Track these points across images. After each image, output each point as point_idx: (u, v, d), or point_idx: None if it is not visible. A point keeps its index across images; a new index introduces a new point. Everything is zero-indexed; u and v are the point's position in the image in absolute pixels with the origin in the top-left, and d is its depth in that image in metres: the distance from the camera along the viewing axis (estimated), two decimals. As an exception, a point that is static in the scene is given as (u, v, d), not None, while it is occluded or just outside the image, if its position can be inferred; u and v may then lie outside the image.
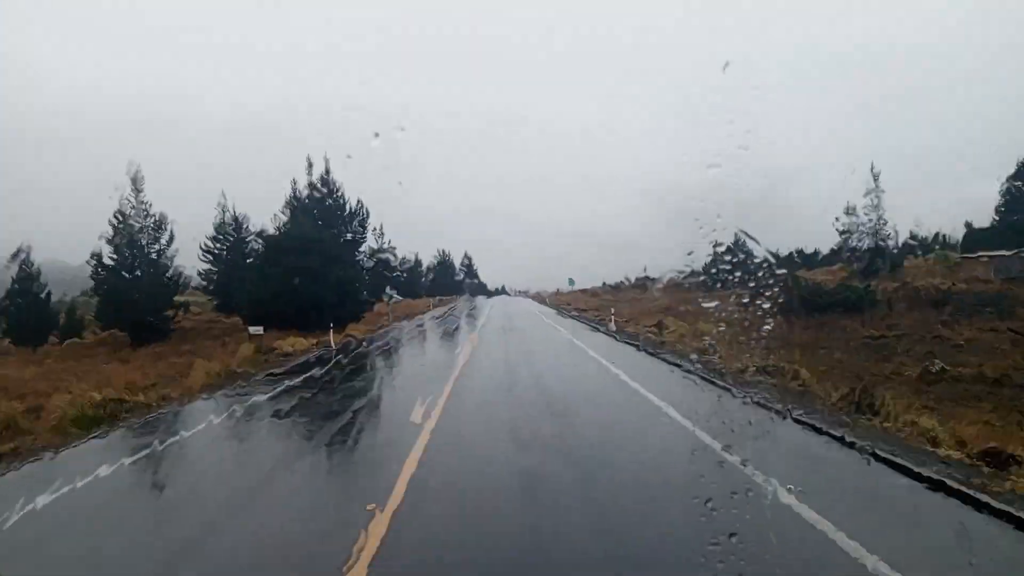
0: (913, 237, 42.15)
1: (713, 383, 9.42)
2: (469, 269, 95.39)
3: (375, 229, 61.98)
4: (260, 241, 32.07)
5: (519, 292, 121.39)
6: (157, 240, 31.39)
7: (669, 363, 13.84)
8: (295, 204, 32.94)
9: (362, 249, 34.35)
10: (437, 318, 36.75)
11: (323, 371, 15.22)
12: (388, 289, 71.00)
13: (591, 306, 34.13)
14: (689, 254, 3.91)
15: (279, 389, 12.49)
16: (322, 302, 25.67)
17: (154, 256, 30.90)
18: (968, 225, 47.21)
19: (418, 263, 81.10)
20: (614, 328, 22.18)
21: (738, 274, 3.97)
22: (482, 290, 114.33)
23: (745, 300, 3.95)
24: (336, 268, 26.46)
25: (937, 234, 52.38)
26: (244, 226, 37.68)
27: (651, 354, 15.41)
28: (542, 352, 17.07)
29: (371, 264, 35.24)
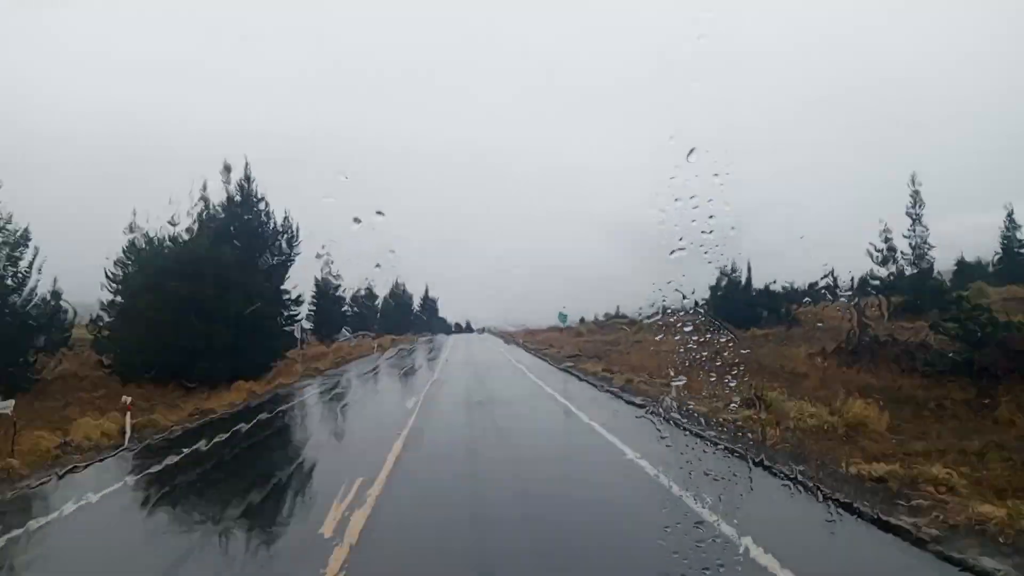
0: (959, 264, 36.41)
1: None
2: (427, 302, 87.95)
3: (320, 255, 55.03)
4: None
5: (482, 329, 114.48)
6: (15, 263, 23.55)
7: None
8: (204, 218, 25.82)
9: (288, 276, 27.33)
10: (387, 360, 29.84)
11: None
12: (344, 330, 63.52)
13: (584, 350, 27.43)
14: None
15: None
16: (215, 345, 18.51)
17: (9, 282, 23.05)
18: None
19: (371, 295, 73.71)
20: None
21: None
22: (442, 327, 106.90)
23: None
24: (237, 298, 19.30)
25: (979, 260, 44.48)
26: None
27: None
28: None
29: (296, 296, 27.98)
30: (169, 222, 22.83)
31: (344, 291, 55.09)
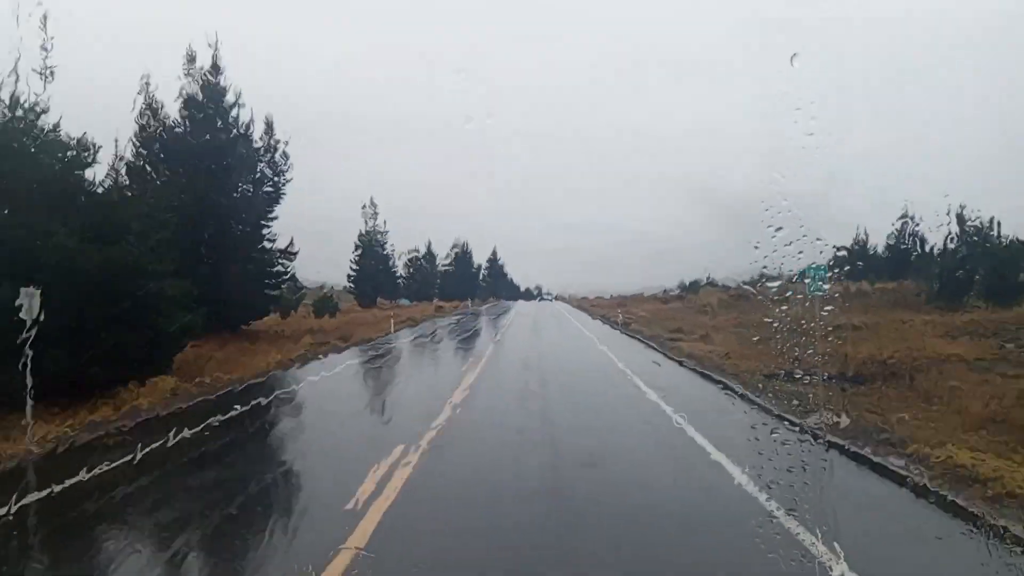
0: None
1: None
2: (493, 266, 79.06)
3: (365, 206, 47.02)
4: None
5: (552, 296, 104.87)
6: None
7: None
8: (156, 128, 17.51)
9: (273, 215, 18.71)
10: (421, 338, 21.08)
11: None
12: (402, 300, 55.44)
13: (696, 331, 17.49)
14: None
15: None
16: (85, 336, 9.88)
17: None
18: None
19: (430, 256, 65.61)
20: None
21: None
22: (512, 292, 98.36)
23: None
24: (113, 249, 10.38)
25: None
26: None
27: None
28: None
29: (286, 247, 19.31)
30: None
31: (392, 249, 47.04)
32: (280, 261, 19.17)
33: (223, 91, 18.21)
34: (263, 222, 18.94)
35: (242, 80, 29.87)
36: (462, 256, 65.42)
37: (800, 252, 3.62)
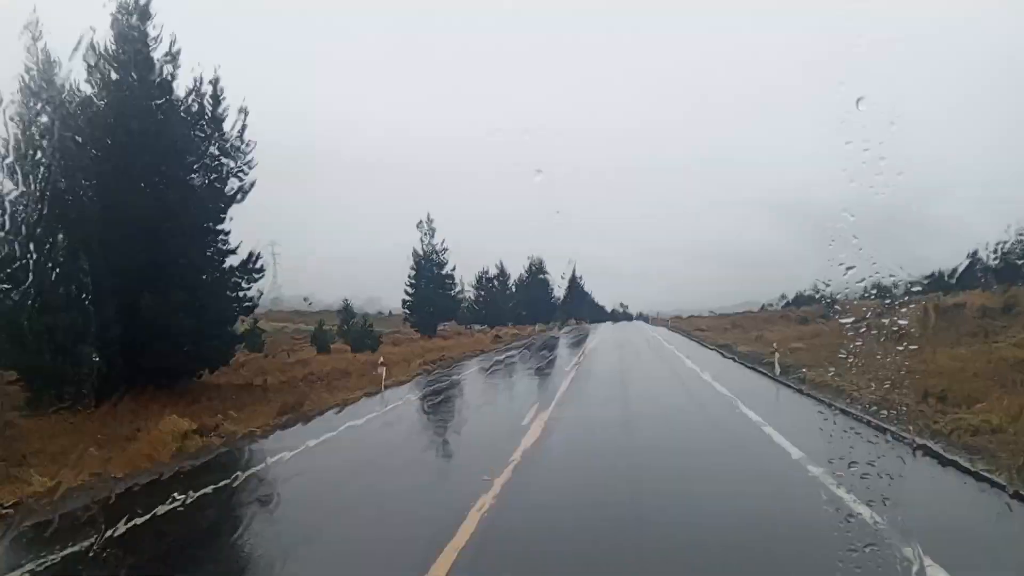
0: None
1: None
2: (573, 286, 71.52)
3: (421, 222, 41.38)
4: None
5: (642, 316, 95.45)
6: None
7: None
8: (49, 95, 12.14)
9: (227, 217, 12.69)
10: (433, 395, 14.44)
11: None
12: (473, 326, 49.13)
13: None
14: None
15: None
16: None
17: None
18: None
19: (503, 276, 59.38)
20: None
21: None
22: (596, 313, 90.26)
23: None
24: None
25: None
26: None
27: None
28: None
29: (252, 261, 13.13)
30: None
31: (454, 271, 40.86)
32: (241, 282, 13.06)
33: (148, 40, 12.54)
34: (218, 226, 12.99)
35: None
36: (536, 275, 58.35)
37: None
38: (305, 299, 49.02)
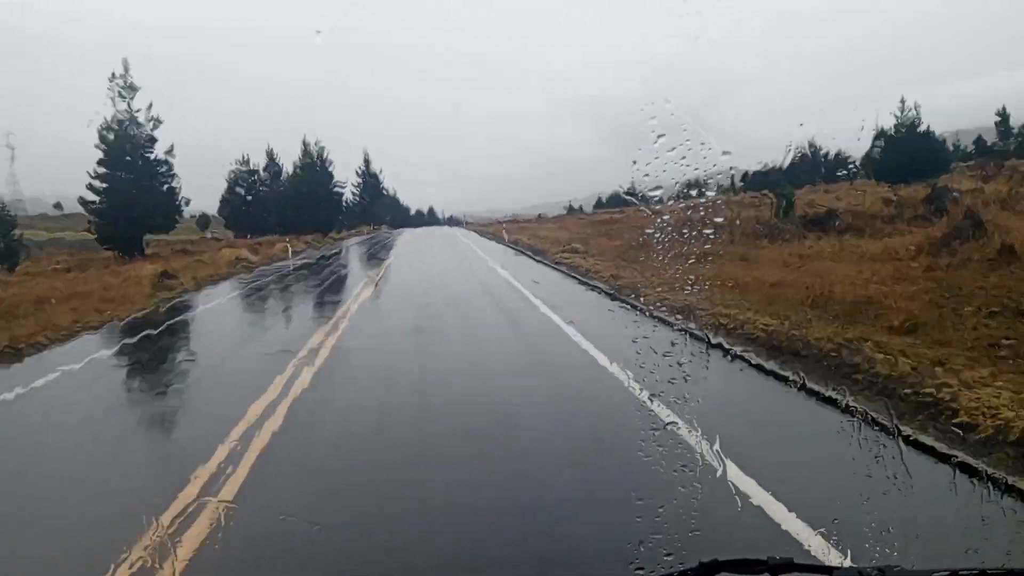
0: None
1: None
2: (367, 181, 59.09)
3: (114, 75, 26.54)
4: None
5: (452, 219, 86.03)
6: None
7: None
8: None
9: None
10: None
11: None
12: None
13: None
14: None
15: None
16: None
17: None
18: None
19: (274, 167, 45.48)
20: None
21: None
22: (400, 216, 79.11)
23: None
24: None
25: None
26: None
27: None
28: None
29: None
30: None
31: (172, 155, 27.06)
32: None
33: None
34: None
35: None
36: (312, 167, 44.86)
37: (683, 158, 3.32)
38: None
